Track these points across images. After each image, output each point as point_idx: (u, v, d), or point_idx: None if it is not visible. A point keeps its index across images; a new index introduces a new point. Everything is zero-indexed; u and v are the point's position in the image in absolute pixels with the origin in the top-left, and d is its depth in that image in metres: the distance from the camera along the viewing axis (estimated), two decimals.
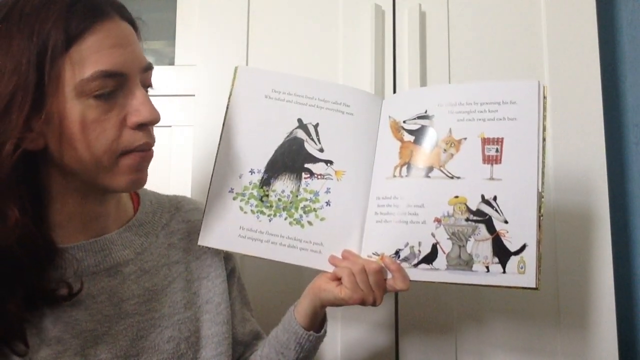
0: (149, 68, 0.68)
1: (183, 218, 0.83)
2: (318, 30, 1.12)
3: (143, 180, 0.69)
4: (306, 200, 0.80)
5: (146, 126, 0.66)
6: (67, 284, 0.65)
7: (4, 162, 0.59)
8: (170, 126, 1.18)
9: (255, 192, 0.80)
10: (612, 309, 1.02)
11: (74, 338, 0.65)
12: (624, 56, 1.22)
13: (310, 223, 0.79)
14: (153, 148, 0.69)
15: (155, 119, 0.66)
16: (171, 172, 1.17)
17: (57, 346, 0.64)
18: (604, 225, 1.04)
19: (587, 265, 1.03)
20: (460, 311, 1.04)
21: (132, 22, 0.68)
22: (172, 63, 1.23)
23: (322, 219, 0.79)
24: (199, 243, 0.79)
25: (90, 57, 0.60)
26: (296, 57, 1.11)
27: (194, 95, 1.12)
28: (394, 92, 1.10)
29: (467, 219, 0.74)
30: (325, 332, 0.81)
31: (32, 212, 0.62)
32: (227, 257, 0.85)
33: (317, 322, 0.80)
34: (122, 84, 0.64)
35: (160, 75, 1.16)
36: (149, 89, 0.70)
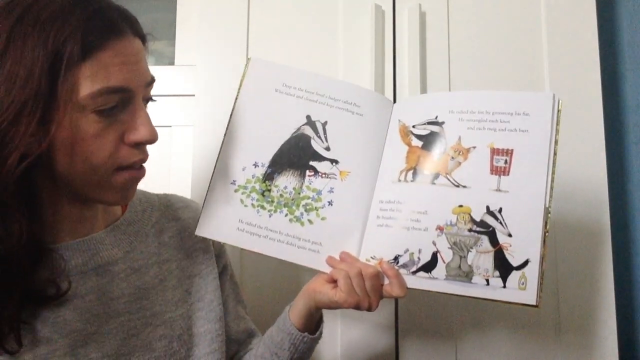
0: (152, 82, 0.68)
1: (173, 216, 0.82)
2: (318, 30, 1.12)
3: (132, 195, 0.69)
4: (308, 198, 0.79)
5: (143, 145, 0.66)
6: (55, 283, 0.64)
7: (9, 173, 0.57)
8: (170, 126, 1.18)
9: (257, 186, 0.79)
10: (613, 320, 1.01)
11: (63, 338, 0.65)
12: (624, 56, 1.22)
13: (310, 222, 0.78)
14: (146, 163, 0.69)
15: (153, 139, 0.65)
16: (171, 172, 1.17)
17: (47, 346, 0.63)
18: (605, 228, 1.03)
19: (587, 276, 1.02)
20: (460, 317, 1.03)
21: (142, 38, 0.67)
22: (172, 63, 1.23)
23: (322, 219, 0.78)
24: (196, 233, 0.78)
25: (100, 73, 0.59)
26: (296, 57, 1.11)
27: (194, 95, 1.12)
28: (394, 92, 1.09)
29: (470, 230, 0.72)
30: (321, 333, 0.80)
31: (26, 216, 0.61)
32: (218, 255, 0.84)
33: (313, 324, 0.79)
34: (125, 100, 0.63)
35: (160, 75, 1.15)
36: (149, 102, 0.70)
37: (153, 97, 0.70)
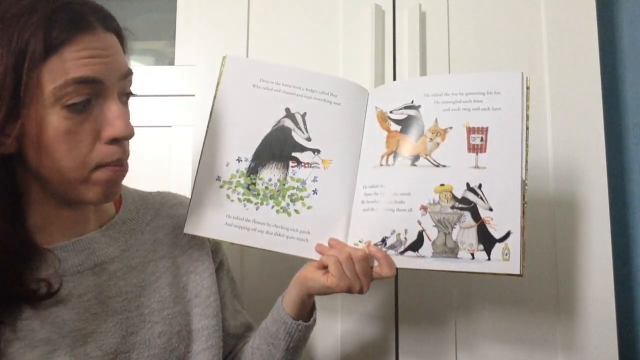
0: (128, 74, 0.66)
1: (168, 213, 0.82)
2: (318, 30, 1.12)
3: (116, 193, 0.68)
4: (293, 188, 0.80)
5: (120, 141, 0.65)
6: (46, 282, 0.64)
7: None
8: (170, 126, 1.16)
9: (242, 180, 0.80)
10: (612, 298, 1.02)
11: (62, 338, 0.64)
12: (624, 56, 1.23)
13: (297, 211, 0.79)
14: (128, 162, 0.68)
15: (129, 135, 0.65)
16: (171, 172, 1.16)
17: (46, 347, 0.63)
18: (604, 221, 1.04)
19: (586, 257, 1.04)
20: (460, 301, 1.04)
21: (117, 33, 0.67)
22: (172, 63, 1.23)
23: (309, 208, 0.80)
24: (185, 231, 0.78)
25: (66, 67, 0.59)
26: (296, 58, 1.11)
27: (194, 95, 1.11)
28: None
29: (453, 207, 0.75)
30: (315, 321, 0.81)
31: (10, 215, 0.61)
32: (214, 251, 0.85)
33: (306, 311, 0.80)
34: (97, 93, 0.62)
35: (160, 75, 1.16)
36: (130, 97, 0.69)
37: (133, 92, 0.69)
